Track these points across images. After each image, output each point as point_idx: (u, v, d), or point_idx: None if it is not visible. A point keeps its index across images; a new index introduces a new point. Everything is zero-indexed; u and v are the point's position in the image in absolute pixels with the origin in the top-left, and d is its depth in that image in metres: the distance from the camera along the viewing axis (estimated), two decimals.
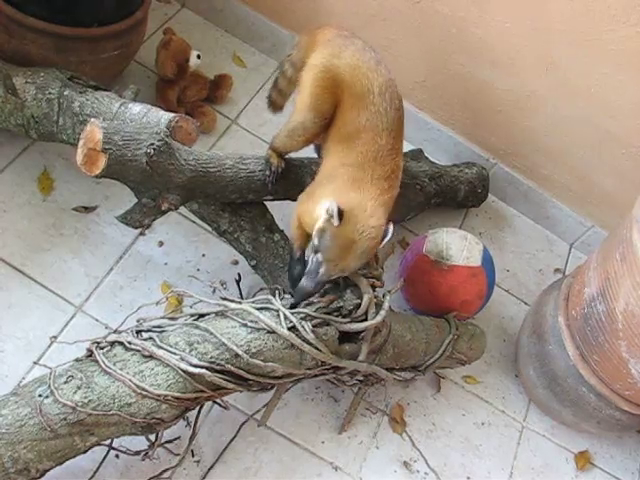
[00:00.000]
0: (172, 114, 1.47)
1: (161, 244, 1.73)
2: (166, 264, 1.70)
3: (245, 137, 1.99)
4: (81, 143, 1.35)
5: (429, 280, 1.72)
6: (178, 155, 1.40)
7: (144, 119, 1.48)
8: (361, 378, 1.59)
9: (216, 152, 1.51)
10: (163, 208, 1.43)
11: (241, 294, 1.69)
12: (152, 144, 1.34)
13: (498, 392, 1.82)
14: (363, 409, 1.67)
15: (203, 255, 1.75)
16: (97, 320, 1.57)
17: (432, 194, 1.90)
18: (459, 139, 2.08)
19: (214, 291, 1.69)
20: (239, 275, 1.70)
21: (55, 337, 1.52)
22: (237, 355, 1.33)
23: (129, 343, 1.32)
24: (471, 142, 2.08)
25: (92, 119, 1.34)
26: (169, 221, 1.74)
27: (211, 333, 1.34)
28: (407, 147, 2.03)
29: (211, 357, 1.31)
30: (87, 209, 1.70)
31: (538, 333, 1.74)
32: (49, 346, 1.50)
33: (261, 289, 1.68)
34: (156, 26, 2.07)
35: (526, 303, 1.98)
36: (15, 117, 1.56)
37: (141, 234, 1.72)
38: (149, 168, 1.35)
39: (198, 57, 1.93)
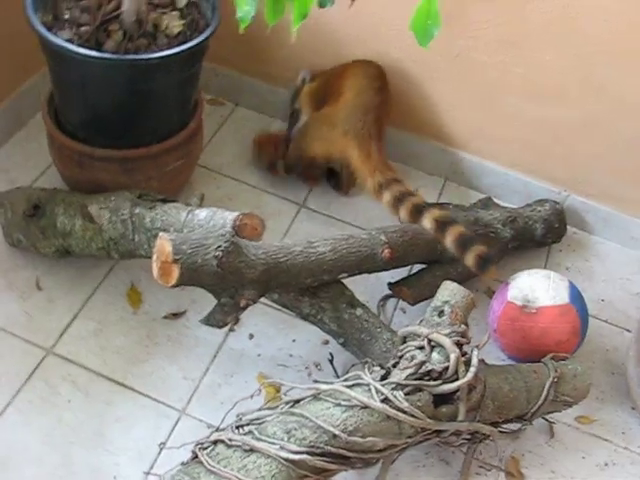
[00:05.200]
0: (235, 213, 1.53)
1: (251, 337, 1.78)
2: (259, 355, 1.75)
3: (317, 218, 2.05)
4: (154, 257, 1.43)
5: (520, 326, 1.70)
6: (247, 252, 1.46)
7: (211, 223, 1.55)
8: (468, 436, 1.57)
9: (285, 241, 1.57)
10: (242, 305, 1.48)
11: (336, 372, 1.71)
12: (219, 246, 1.40)
13: (617, 428, 1.75)
14: (477, 468, 1.63)
15: (293, 340, 1.78)
16: (201, 420, 1.62)
17: (508, 239, 1.89)
18: (527, 178, 2.07)
19: (309, 374, 1.72)
20: (331, 354, 1.72)
21: (163, 443, 1.57)
22: (335, 435, 1.34)
23: (230, 440, 1.35)
24: (539, 179, 2.06)
25: (161, 233, 1.42)
26: (256, 313, 1.79)
27: (307, 418, 1.36)
28: (476, 196, 2.05)
29: (310, 442, 1.33)
30: (176, 315, 1.78)
31: None
32: (159, 453, 1.55)
33: (353, 365, 1.69)
34: (214, 129, 2.18)
35: (629, 330, 1.90)
36: (95, 242, 1.67)
37: (231, 330, 1.77)
38: (220, 270, 1.41)
39: None
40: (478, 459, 1.64)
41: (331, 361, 1.72)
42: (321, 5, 1.56)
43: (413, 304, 1.81)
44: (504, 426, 1.58)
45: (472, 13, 1.82)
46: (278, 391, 1.69)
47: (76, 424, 1.57)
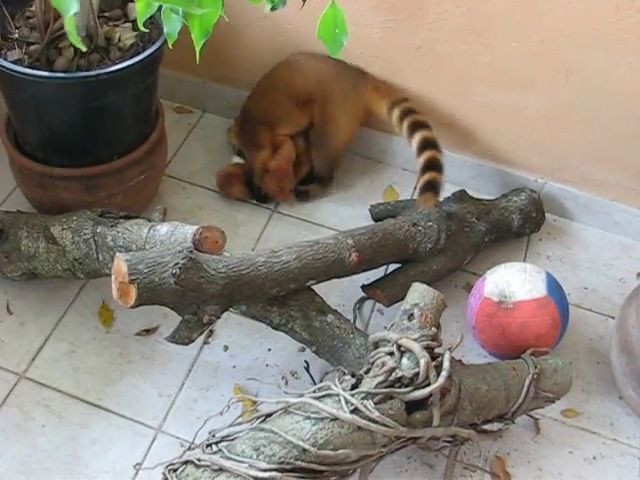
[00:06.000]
0: (195, 227, 1.50)
1: (226, 348, 1.74)
2: (234, 367, 1.72)
3: (290, 222, 2.01)
4: (113, 278, 1.40)
5: (498, 323, 1.66)
6: (207, 266, 1.43)
7: (172, 238, 1.52)
8: (449, 439, 1.54)
9: (247, 252, 1.53)
10: (205, 321, 1.45)
11: (313, 380, 1.68)
12: (177, 264, 1.38)
13: (604, 419, 1.71)
14: (461, 470, 1.59)
15: (269, 349, 1.75)
16: (177, 438, 1.59)
17: (483, 232, 1.85)
18: (502, 168, 2.02)
19: (286, 383, 1.69)
20: (306, 362, 1.69)
21: (140, 464, 1.54)
22: (305, 450, 1.31)
23: (199, 460, 1.33)
24: (514, 168, 2.02)
25: (117, 253, 1.39)
26: (230, 324, 1.77)
27: (276, 433, 1.33)
28: (451, 189, 1.99)
29: (279, 458, 1.30)
30: (149, 331, 1.75)
31: (627, 351, 1.63)
32: (136, 475, 1.53)
33: (326, 373, 1.67)
34: (182, 137, 2.16)
35: (613, 318, 1.85)
36: (60, 263, 1.64)
37: (205, 343, 1.74)
38: (179, 287, 1.38)
39: None
40: (462, 461, 1.61)
41: (307, 369, 1.69)
42: (273, 8, 1.53)
43: (388, 305, 1.78)
44: (484, 427, 1.55)
45: (428, 5, 1.77)
46: (254, 403, 1.67)
47: (51, 449, 1.55)
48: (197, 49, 0.88)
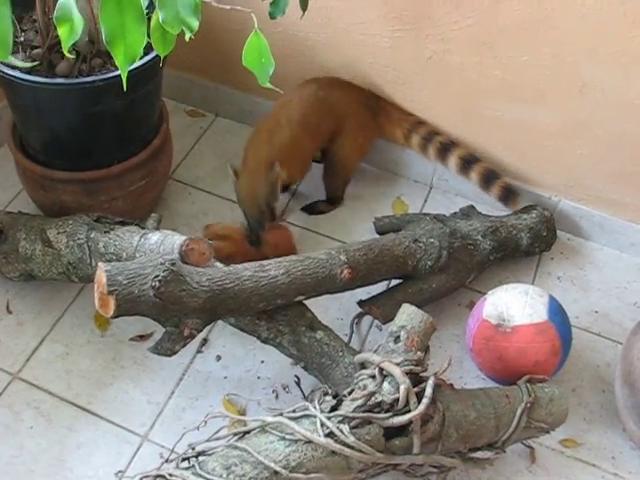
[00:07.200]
0: (183, 238, 1.48)
1: (219, 358, 1.73)
2: (226, 377, 1.70)
3: (295, 232, 1.97)
4: (95, 287, 1.40)
5: (495, 346, 1.61)
6: (189, 279, 1.41)
7: (161, 247, 1.51)
8: (435, 464, 1.49)
9: (234, 265, 1.51)
10: (185, 334, 1.43)
11: (304, 395, 1.66)
12: (157, 276, 1.36)
13: (605, 452, 1.63)
14: None
15: (262, 362, 1.73)
16: (163, 446, 1.57)
17: (488, 250, 1.79)
18: (516, 184, 1.94)
19: (277, 397, 1.67)
20: (297, 377, 1.67)
21: (122, 472, 1.54)
22: (276, 472, 1.29)
23: (170, 475, 1.31)
24: (527, 184, 1.95)
25: (99, 263, 1.39)
26: (225, 333, 1.75)
27: (249, 452, 1.31)
28: (461, 203, 1.95)
29: (249, 478, 1.28)
30: (143, 337, 1.74)
31: (629, 382, 1.55)
32: None
33: (312, 391, 1.64)
34: (193, 141, 2.15)
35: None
36: (56, 266, 1.65)
37: (198, 352, 1.73)
38: (159, 300, 1.36)
39: None
40: None
41: (298, 383, 1.67)
42: (271, 16, 1.51)
43: (384, 323, 1.73)
44: (471, 455, 1.49)
45: (437, 15, 1.72)
46: (243, 415, 1.65)
47: (37, 452, 1.56)
48: (123, 76, 0.85)
